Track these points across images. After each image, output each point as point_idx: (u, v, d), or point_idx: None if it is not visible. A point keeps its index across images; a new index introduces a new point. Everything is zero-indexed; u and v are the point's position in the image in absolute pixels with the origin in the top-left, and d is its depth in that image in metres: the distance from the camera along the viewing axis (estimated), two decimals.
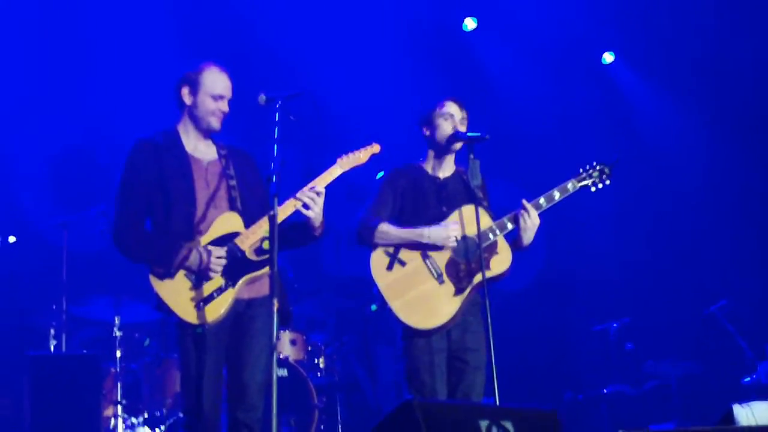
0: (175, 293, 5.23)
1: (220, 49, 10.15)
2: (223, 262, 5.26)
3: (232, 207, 5.45)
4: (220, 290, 5.26)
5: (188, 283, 5.25)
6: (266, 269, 5.18)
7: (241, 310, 5.37)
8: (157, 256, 5.26)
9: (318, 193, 5.35)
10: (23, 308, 9.20)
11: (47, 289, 8.97)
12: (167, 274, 5.22)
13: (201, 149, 5.56)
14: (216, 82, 5.51)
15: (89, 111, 9.89)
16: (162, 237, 5.31)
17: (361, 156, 5.69)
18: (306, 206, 5.33)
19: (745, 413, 5.12)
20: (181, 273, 5.24)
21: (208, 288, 5.25)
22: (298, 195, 5.34)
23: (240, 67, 10.07)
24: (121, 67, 9.84)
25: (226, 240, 5.32)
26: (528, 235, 5.95)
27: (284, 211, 5.29)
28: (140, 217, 5.38)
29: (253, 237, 5.33)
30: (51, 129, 9.88)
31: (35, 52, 9.76)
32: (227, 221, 5.40)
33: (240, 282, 5.30)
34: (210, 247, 5.27)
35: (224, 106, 5.52)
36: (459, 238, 5.86)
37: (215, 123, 5.51)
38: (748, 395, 8.74)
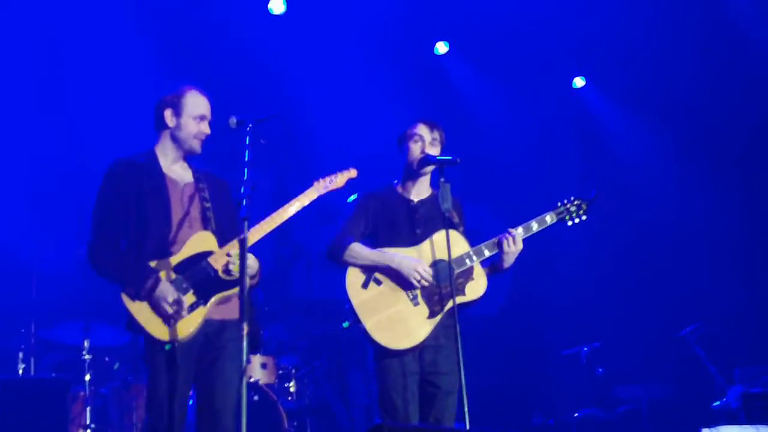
0: (146, 310, 5.22)
1: (195, 73, 10.14)
2: (169, 309, 5.21)
3: (206, 227, 5.46)
4: (191, 308, 5.26)
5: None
6: (237, 289, 5.20)
7: (212, 331, 5.37)
8: (129, 279, 5.25)
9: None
10: None
11: (16, 312, 8.91)
12: (136, 297, 5.22)
13: (178, 171, 5.58)
14: (198, 105, 5.55)
15: (64, 132, 9.84)
16: (135, 260, 5.31)
17: (338, 180, 5.73)
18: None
19: None
20: None
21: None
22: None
23: (212, 90, 10.15)
24: (97, 89, 9.81)
25: (200, 259, 5.33)
26: (509, 259, 5.99)
27: (253, 236, 5.29)
28: (117, 236, 5.38)
29: (226, 256, 5.33)
30: (23, 149, 9.82)
31: (11, 72, 9.72)
32: (201, 240, 5.40)
33: (211, 300, 5.30)
34: (161, 285, 5.22)
35: (206, 128, 5.55)
36: (426, 283, 5.85)
37: (197, 145, 5.55)
38: (717, 419, 8.77)
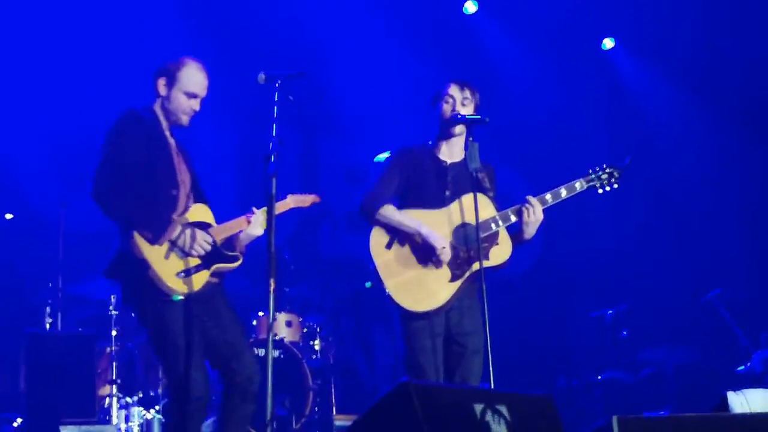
0: (160, 259, 5.26)
1: (220, 30, 10.12)
2: (208, 247, 5.38)
3: (197, 197, 5.59)
4: (198, 268, 5.38)
5: (173, 254, 5.30)
6: (234, 264, 5.52)
7: (208, 293, 5.47)
8: (148, 222, 5.25)
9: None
10: (19, 286, 9.20)
11: (43, 268, 8.97)
12: (155, 240, 5.25)
13: (169, 136, 5.62)
14: (193, 81, 5.55)
15: (88, 89, 9.86)
16: (153, 205, 5.33)
17: (306, 200, 5.99)
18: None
19: (739, 401, 5.13)
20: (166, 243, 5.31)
21: (189, 262, 5.35)
22: (252, 218, 5.60)
23: (240, 47, 10.13)
24: (122, 48, 9.81)
25: (201, 228, 5.45)
26: (530, 230, 5.91)
27: (239, 224, 5.59)
28: (129, 180, 5.33)
29: (223, 233, 5.53)
30: (50, 107, 9.86)
31: (36, 34, 9.75)
32: (201, 211, 5.55)
33: (213, 267, 5.44)
34: (197, 230, 5.37)
35: (197, 105, 5.58)
36: (447, 260, 5.82)
37: (185, 120, 5.59)
38: (742, 383, 8.76)
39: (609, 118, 11.88)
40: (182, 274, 5.31)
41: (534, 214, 5.88)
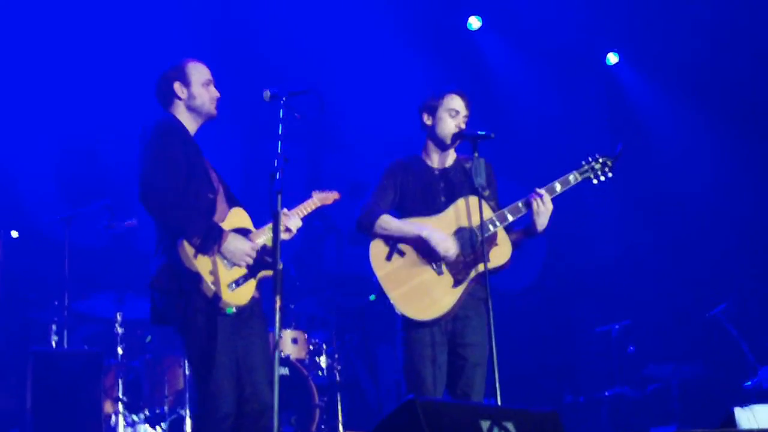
0: (209, 270, 5.16)
1: (223, 45, 10.15)
2: (254, 255, 5.29)
3: (231, 202, 5.49)
4: (245, 278, 5.29)
5: (220, 264, 5.21)
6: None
7: (249, 308, 5.37)
8: (198, 229, 5.15)
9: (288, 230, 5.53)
10: (25, 304, 9.19)
11: (49, 285, 8.96)
12: (205, 250, 5.16)
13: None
14: (202, 72, 5.57)
15: (92, 106, 9.87)
16: (198, 211, 5.24)
17: (329, 197, 5.98)
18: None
19: (746, 416, 5.13)
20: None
21: (236, 272, 5.27)
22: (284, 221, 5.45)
23: (245, 64, 10.17)
24: (125, 65, 9.82)
25: (242, 234, 5.35)
26: (542, 221, 5.88)
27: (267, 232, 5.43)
28: (176, 184, 5.23)
29: (263, 237, 5.40)
30: (54, 124, 9.87)
31: (37, 48, 9.76)
32: (240, 216, 5.47)
33: (259, 275, 5.36)
34: (243, 238, 5.29)
35: (215, 91, 5.58)
36: (454, 256, 5.80)
37: (214, 109, 5.57)
38: (749, 399, 8.74)
39: (613, 132, 11.89)
40: (233, 285, 5.22)
41: (544, 204, 5.85)
